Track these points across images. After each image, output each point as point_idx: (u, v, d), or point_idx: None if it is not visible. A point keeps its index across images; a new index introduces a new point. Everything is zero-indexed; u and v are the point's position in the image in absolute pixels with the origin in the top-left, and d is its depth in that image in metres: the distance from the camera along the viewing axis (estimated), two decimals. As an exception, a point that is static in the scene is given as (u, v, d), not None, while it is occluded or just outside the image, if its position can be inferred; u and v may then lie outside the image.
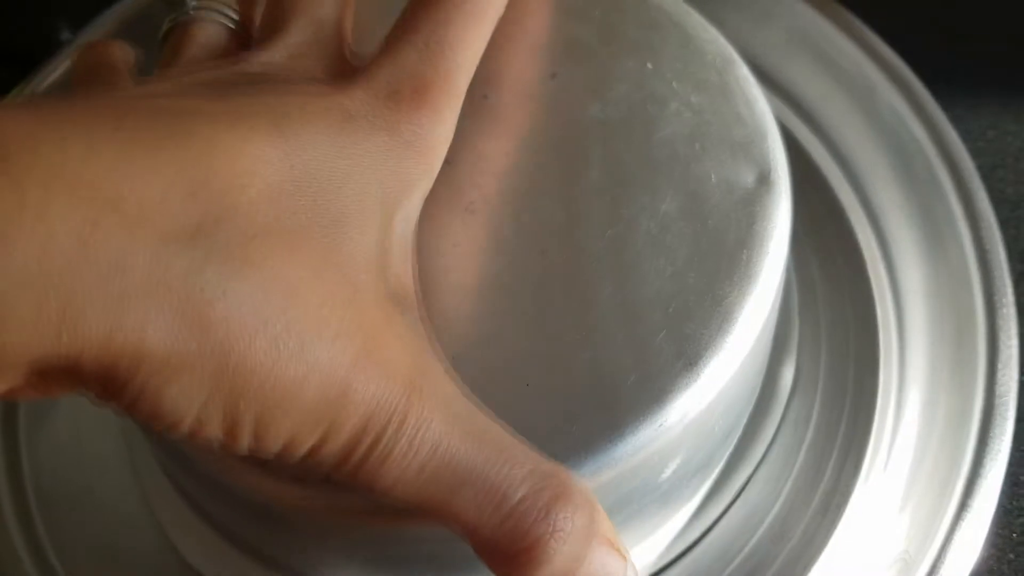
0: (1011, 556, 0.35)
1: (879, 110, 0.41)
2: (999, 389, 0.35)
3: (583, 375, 0.27)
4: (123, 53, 0.30)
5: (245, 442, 0.23)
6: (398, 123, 0.26)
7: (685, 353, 0.27)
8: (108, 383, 0.22)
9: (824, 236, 0.38)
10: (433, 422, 0.24)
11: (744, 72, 0.31)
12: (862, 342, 0.37)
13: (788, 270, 0.32)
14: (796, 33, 0.42)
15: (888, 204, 0.39)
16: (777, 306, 0.30)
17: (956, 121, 0.40)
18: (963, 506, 0.33)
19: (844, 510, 0.34)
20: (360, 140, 0.25)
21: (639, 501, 0.29)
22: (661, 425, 0.27)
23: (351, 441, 0.23)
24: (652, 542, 0.32)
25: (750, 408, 0.34)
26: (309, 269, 0.23)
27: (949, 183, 0.39)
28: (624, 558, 0.26)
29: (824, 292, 0.37)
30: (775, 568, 0.34)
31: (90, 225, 0.20)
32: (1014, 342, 0.36)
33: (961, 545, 0.33)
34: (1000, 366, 0.35)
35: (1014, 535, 0.35)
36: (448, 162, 0.27)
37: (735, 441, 0.34)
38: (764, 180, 0.29)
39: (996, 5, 0.46)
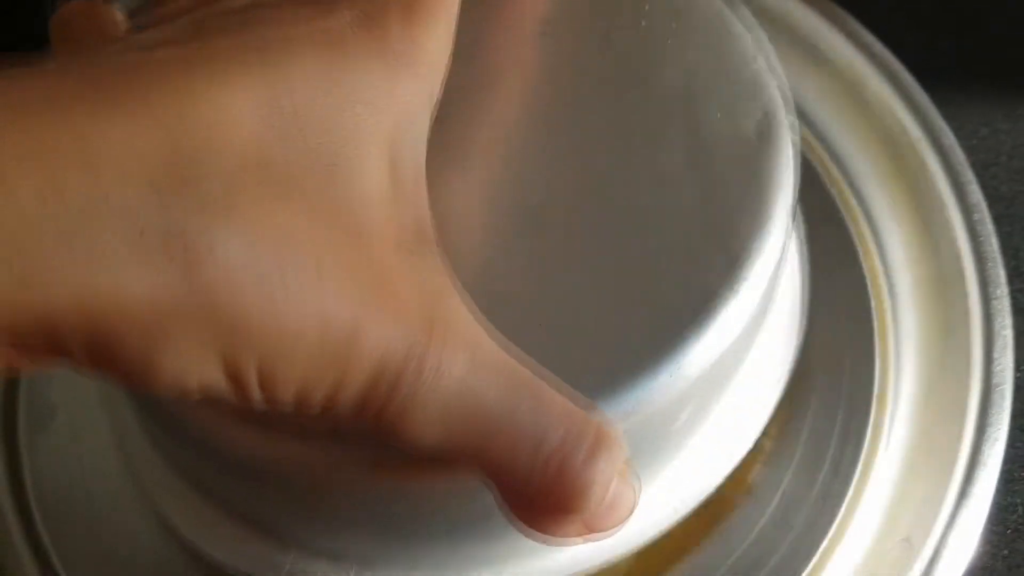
0: (1005, 552, 0.35)
1: (872, 107, 0.41)
2: (995, 378, 0.35)
3: (593, 323, 0.26)
4: (107, 15, 0.28)
5: (254, 395, 0.22)
6: (389, 41, 0.24)
7: (698, 295, 0.27)
8: (93, 348, 0.20)
9: (818, 228, 0.38)
10: (456, 362, 0.22)
11: (741, 26, 0.31)
12: (858, 333, 0.37)
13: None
14: (788, 30, 0.42)
15: (882, 197, 0.39)
16: (786, 253, 0.29)
17: (950, 119, 0.40)
18: (963, 492, 0.33)
19: (845, 498, 0.34)
20: (350, 66, 0.23)
21: (650, 451, 0.29)
22: (675, 372, 0.26)
23: (368, 387, 0.22)
24: (661, 494, 0.31)
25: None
26: (305, 214, 0.22)
27: (942, 175, 0.39)
28: (636, 484, 0.25)
29: (819, 284, 0.37)
30: (778, 556, 0.34)
31: (55, 181, 0.19)
32: (1009, 332, 0.36)
33: (962, 529, 0.33)
34: (996, 354, 0.35)
35: (1008, 531, 0.35)
36: (441, 117, 0.26)
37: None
38: (766, 129, 0.29)
39: (990, 2, 0.47)
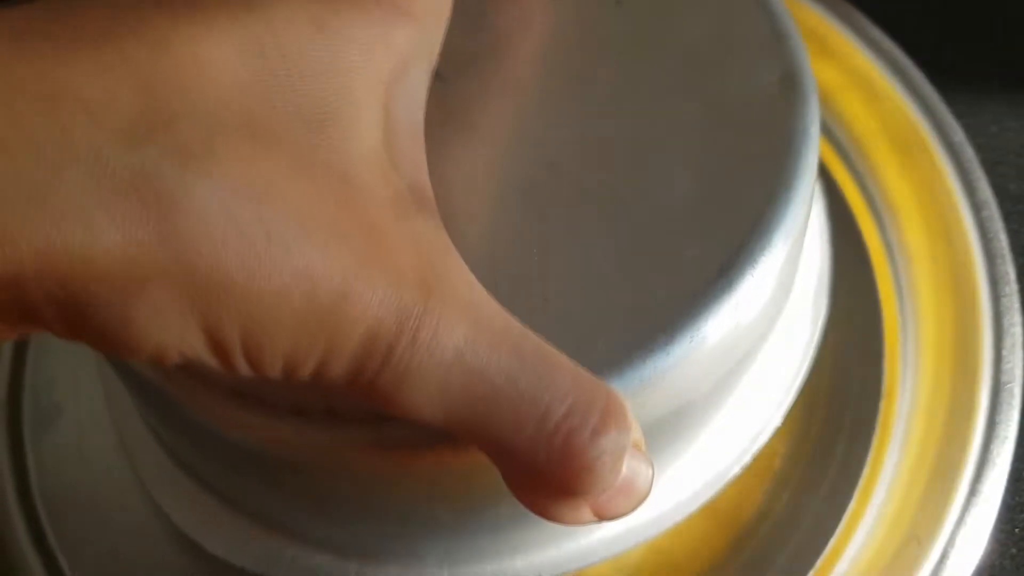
0: (1013, 551, 0.35)
1: (881, 103, 0.41)
2: (1004, 376, 0.35)
3: (607, 289, 0.25)
4: None
5: (240, 364, 0.21)
6: None
7: (717, 261, 0.25)
8: (65, 311, 0.19)
9: (829, 225, 0.38)
10: (456, 329, 0.21)
11: None
12: (867, 330, 0.37)
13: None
14: (796, 25, 0.42)
15: (890, 194, 0.39)
16: (810, 213, 0.28)
17: (959, 117, 0.40)
18: (972, 491, 0.33)
19: (853, 496, 0.34)
20: (344, 7, 0.22)
21: (666, 431, 0.27)
22: (693, 339, 0.24)
23: (361, 354, 0.21)
24: (678, 479, 0.29)
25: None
26: (291, 167, 0.20)
27: (951, 172, 0.39)
28: (650, 463, 0.24)
29: (828, 281, 0.37)
30: (787, 555, 0.34)
31: (15, 122, 0.18)
32: (1018, 329, 0.36)
33: (971, 528, 0.33)
34: (1005, 352, 0.35)
35: (1016, 530, 0.35)
36: (446, 83, 0.25)
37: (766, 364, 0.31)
38: (788, 82, 0.27)
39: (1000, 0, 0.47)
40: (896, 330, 0.37)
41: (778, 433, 0.35)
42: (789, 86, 0.27)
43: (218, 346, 0.20)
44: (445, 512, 0.27)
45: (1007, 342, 0.35)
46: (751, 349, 0.28)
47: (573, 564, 0.28)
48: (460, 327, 0.21)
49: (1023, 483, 0.35)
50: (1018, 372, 0.35)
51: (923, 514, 0.33)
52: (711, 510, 0.34)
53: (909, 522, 0.33)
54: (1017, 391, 0.35)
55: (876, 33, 0.42)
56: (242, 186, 0.19)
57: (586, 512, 0.23)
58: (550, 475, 0.22)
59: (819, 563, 0.33)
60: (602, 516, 0.23)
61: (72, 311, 0.19)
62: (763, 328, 0.28)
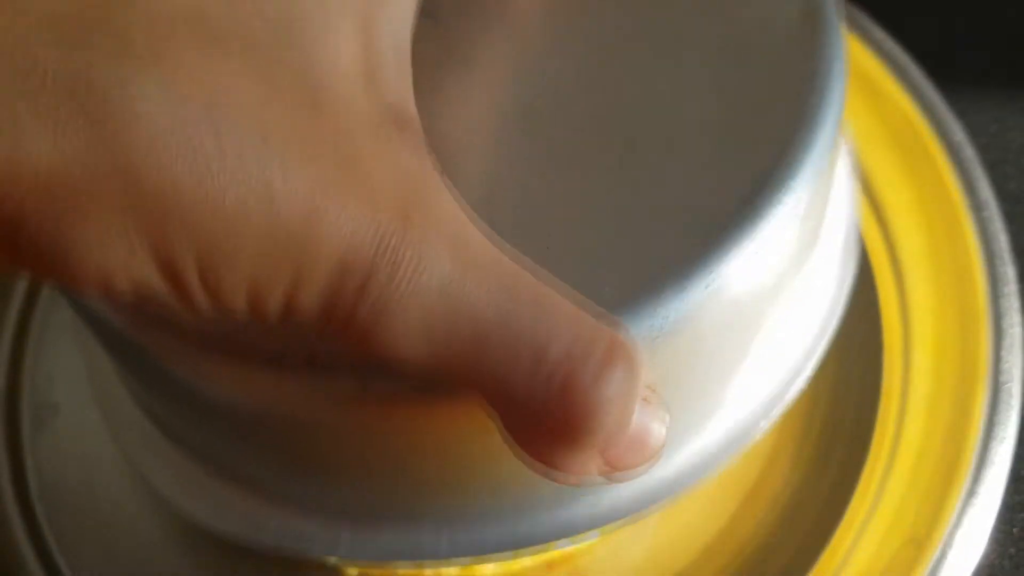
0: (1012, 551, 0.35)
1: (882, 102, 0.41)
2: (1003, 376, 0.35)
3: (615, 231, 0.23)
4: None
5: (199, 296, 0.19)
6: None
7: (736, 198, 0.23)
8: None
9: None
10: (439, 258, 0.19)
11: None
12: (866, 331, 0.37)
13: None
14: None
15: (890, 194, 0.39)
16: (837, 155, 0.26)
17: (960, 116, 0.40)
18: (971, 492, 0.33)
19: (851, 497, 0.34)
20: None
21: (683, 382, 0.25)
22: (710, 284, 0.22)
23: (333, 285, 0.19)
24: (695, 436, 0.26)
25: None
26: (251, 75, 0.18)
27: (951, 172, 0.39)
28: (665, 415, 0.22)
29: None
30: (785, 555, 0.34)
31: None
32: (1017, 330, 0.36)
33: (970, 528, 0.33)
34: (1004, 352, 0.35)
35: (1015, 530, 0.35)
36: (437, 19, 0.24)
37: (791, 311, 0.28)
38: (810, 14, 0.26)
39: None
40: (896, 330, 0.37)
41: (778, 432, 0.35)
42: (811, 19, 0.26)
43: (170, 271, 0.18)
44: (440, 471, 0.25)
45: (1006, 342, 0.35)
46: (773, 297, 0.25)
47: (583, 527, 0.26)
48: (443, 257, 0.19)
49: (1022, 483, 0.35)
50: (1017, 372, 0.35)
51: (922, 514, 0.33)
52: (711, 508, 0.34)
53: (908, 522, 0.33)
54: (1016, 391, 0.35)
55: (877, 32, 0.42)
56: (192, 91, 0.17)
57: (593, 465, 0.21)
58: (550, 421, 0.20)
59: (818, 562, 0.33)
60: (612, 470, 0.21)
61: (5, 231, 0.17)
62: (786, 274, 0.26)
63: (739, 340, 0.25)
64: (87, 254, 0.18)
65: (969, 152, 0.39)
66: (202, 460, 0.29)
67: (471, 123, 0.25)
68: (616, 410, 0.20)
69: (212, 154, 0.17)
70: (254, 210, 0.18)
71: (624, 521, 0.26)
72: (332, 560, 0.27)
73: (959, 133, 0.40)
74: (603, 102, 0.25)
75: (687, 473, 0.26)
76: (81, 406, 0.39)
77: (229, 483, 0.28)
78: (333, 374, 0.22)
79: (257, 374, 0.23)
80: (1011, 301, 0.36)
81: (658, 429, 0.21)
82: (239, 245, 0.18)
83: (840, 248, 0.30)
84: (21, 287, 0.41)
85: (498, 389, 0.20)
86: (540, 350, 0.20)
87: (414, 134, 0.20)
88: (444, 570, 0.34)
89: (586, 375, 0.20)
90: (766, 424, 0.27)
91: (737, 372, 0.26)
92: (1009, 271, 0.37)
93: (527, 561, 0.34)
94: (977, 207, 0.38)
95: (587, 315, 0.20)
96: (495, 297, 0.19)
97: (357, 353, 0.20)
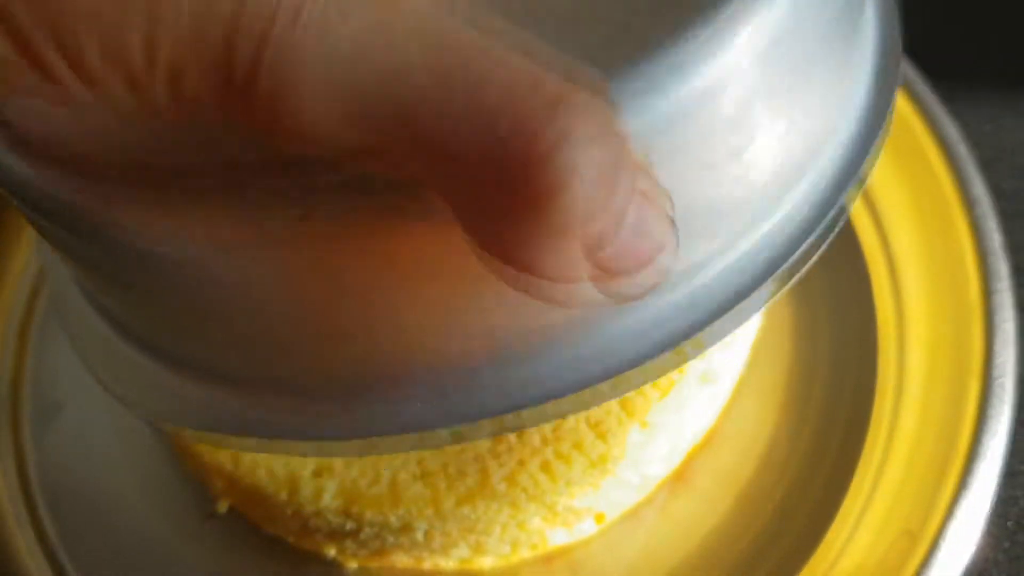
0: (1006, 544, 0.35)
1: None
2: (996, 371, 0.35)
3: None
4: None
5: (57, 66, 0.15)
6: None
7: None
8: None
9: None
10: (354, 9, 0.16)
11: None
12: (861, 325, 0.37)
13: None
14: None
15: (885, 191, 0.39)
16: None
17: (954, 115, 0.41)
18: (964, 485, 0.33)
19: (846, 490, 0.34)
20: None
21: (689, 172, 0.20)
22: (712, 42, 0.19)
23: (222, 39, 0.15)
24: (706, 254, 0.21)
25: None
26: None
27: (945, 169, 0.39)
28: (668, 215, 0.17)
29: (822, 277, 0.37)
30: (781, 548, 0.34)
31: None
32: (1010, 325, 0.36)
33: (964, 522, 0.33)
34: (997, 348, 0.35)
35: (1009, 523, 0.35)
36: None
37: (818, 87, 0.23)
38: None
39: (995, -1, 0.47)
40: (890, 326, 0.37)
41: (774, 426, 0.35)
42: None
43: (16, 38, 0.15)
44: (414, 313, 0.20)
45: (999, 338, 0.36)
46: (793, 70, 0.21)
47: (597, 374, 0.21)
48: (360, 7, 0.16)
49: (1015, 477, 0.36)
50: (1010, 367, 0.35)
51: (916, 508, 0.33)
52: (707, 502, 0.34)
53: (903, 515, 0.34)
54: (1008, 386, 0.35)
55: (871, 31, 0.42)
56: None
57: (580, 267, 0.17)
58: (510, 202, 0.16)
59: (814, 556, 0.33)
60: (607, 277, 0.17)
61: None
62: (807, 44, 0.21)
63: (751, 122, 0.20)
64: None
65: (963, 150, 0.39)
66: (154, 352, 0.25)
67: None
68: (589, 181, 0.16)
69: None
70: None
71: (646, 373, 0.21)
72: (306, 451, 0.24)
73: (953, 132, 0.40)
74: None
75: (701, 310, 0.20)
76: (85, 404, 0.39)
77: (183, 371, 0.24)
78: (266, 202, 0.18)
79: (180, 208, 0.19)
80: (1004, 297, 0.36)
81: (660, 229, 0.17)
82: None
83: (869, 35, 0.26)
84: (25, 286, 0.41)
85: (443, 170, 0.16)
86: (488, 114, 0.16)
87: None
88: (442, 566, 0.34)
89: (547, 138, 0.16)
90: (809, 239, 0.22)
91: (754, 166, 0.21)
92: (1002, 267, 0.37)
93: (525, 555, 0.34)
94: (970, 204, 0.38)
95: (550, 74, 0.16)
96: (430, 55, 0.16)
97: (270, 139, 0.17)
